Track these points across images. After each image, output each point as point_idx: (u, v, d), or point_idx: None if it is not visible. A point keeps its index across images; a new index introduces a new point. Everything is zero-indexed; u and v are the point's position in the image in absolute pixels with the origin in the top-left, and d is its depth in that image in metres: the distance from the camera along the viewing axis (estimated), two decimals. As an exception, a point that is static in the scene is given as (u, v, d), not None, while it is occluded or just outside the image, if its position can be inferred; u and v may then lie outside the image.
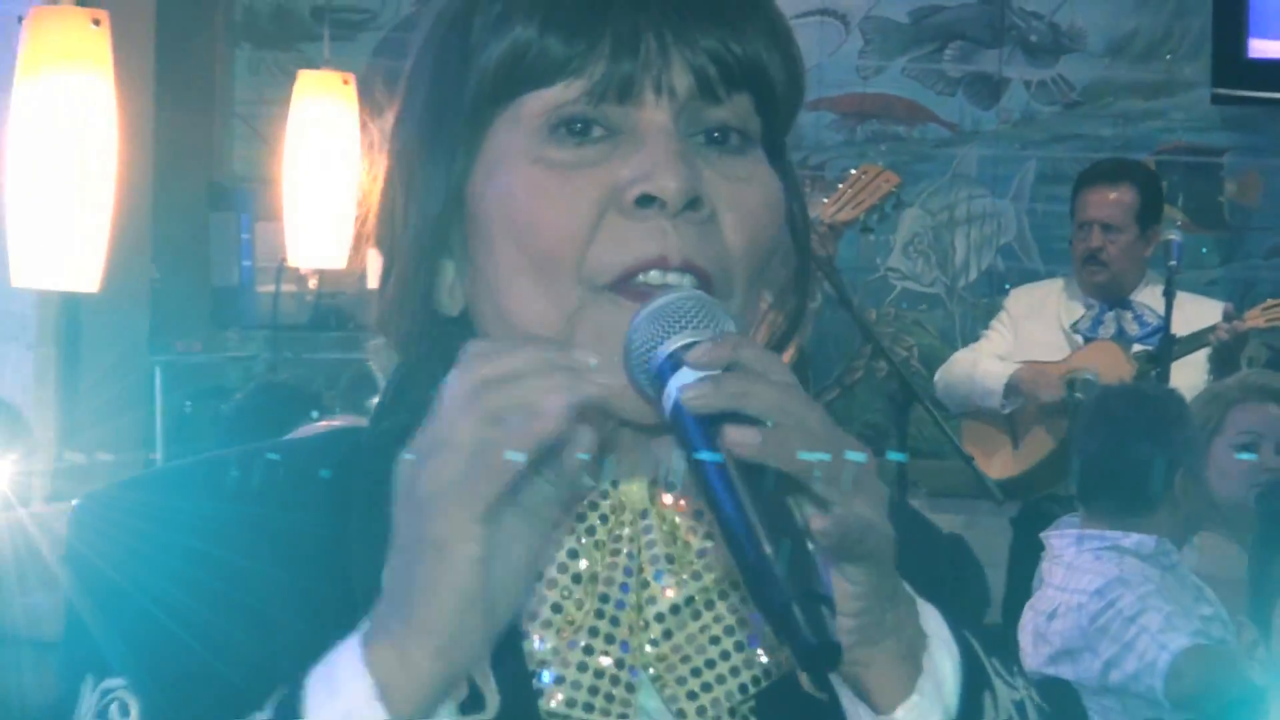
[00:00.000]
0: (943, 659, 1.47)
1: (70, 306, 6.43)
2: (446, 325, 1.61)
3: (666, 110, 1.53)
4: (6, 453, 3.38)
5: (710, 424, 1.38)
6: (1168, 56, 8.02)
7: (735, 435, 1.36)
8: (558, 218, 1.51)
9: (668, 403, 1.42)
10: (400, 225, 1.60)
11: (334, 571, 1.58)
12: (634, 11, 1.52)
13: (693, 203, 1.50)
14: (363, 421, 1.78)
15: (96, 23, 4.48)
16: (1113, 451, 5.23)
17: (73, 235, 4.45)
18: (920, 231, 8.15)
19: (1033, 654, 5.13)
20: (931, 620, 1.48)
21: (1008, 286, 7.54)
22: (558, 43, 1.52)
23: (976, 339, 7.29)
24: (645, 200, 1.50)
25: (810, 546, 1.36)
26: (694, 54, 1.52)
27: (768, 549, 1.33)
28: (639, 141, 1.52)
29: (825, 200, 6.92)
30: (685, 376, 1.41)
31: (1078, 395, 6.48)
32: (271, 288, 7.39)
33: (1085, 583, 5.03)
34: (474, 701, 1.46)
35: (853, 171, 7.19)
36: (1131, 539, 5.08)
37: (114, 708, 1.54)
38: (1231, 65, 7.67)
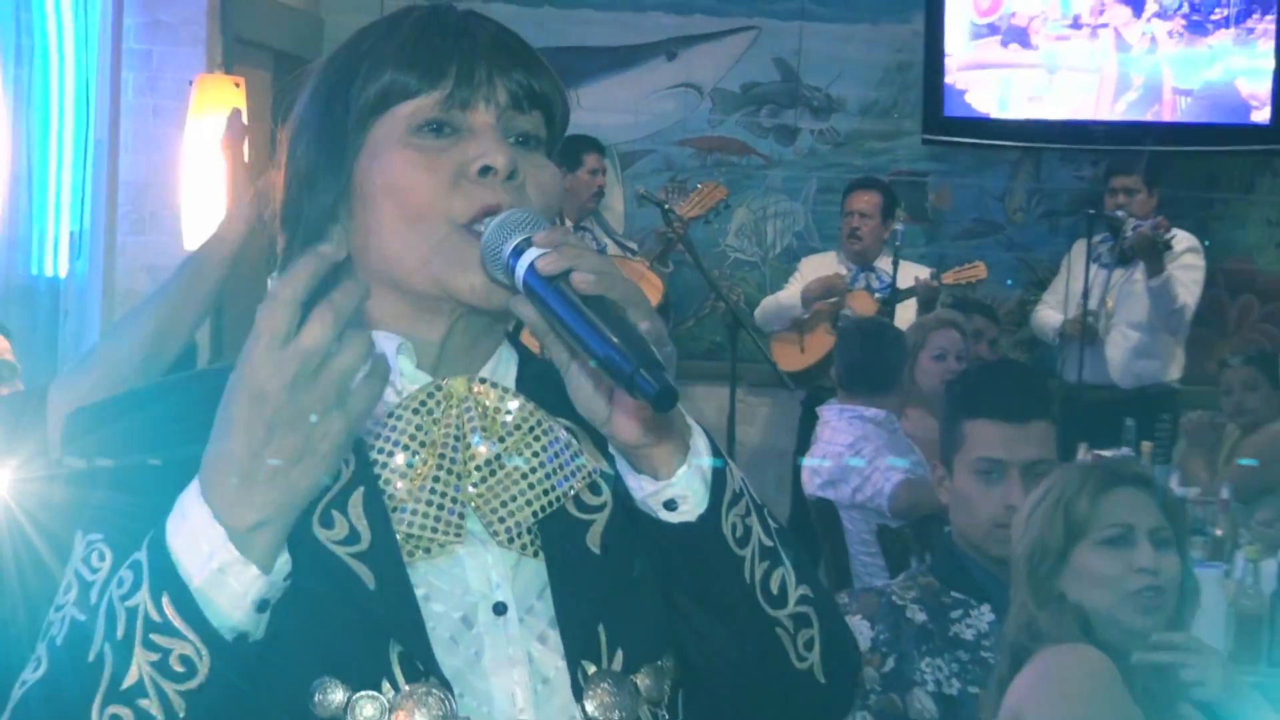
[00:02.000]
0: (701, 441, 1.41)
1: (220, 259, 6.38)
2: (333, 268, 1.43)
3: (492, 115, 1.45)
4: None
5: (555, 279, 1.33)
6: (895, 115, 7.98)
7: (579, 278, 1.32)
8: (426, 182, 1.43)
9: (520, 273, 1.35)
10: (300, 206, 1.48)
11: None
12: (469, 54, 1.45)
13: (512, 174, 1.43)
14: None
15: (237, 84, 4.50)
16: (859, 358, 5.30)
17: (217, 213, 4.46)
18: (745, 222, 8.06)
19: (809, 483, 5.19)
20: (689, 418, 1.42)
21: (800, 257, 7.54)
22: (416, 78, 1.45)
23: (780, 289, 7.27)
24: (485, 170, 1.42)
25: (640, 332, 1.30)
26: (510, 82, 1.46)
27: (614, 339, 1.28)
28: (475, 135, 1.44)
29: (682, 203, 6.94)
30: (531, 255, 1.34)
31: (840, 324, 6.51)
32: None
33: (842, 439, 5.11)
34: (352, 536, 1.40)
35: (699, 185, 7.23)
36: (870, 411, 5.15)
37: (94, 555, 1.40)
38: (934, 122, 7.68)
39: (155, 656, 1.27)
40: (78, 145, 5.69)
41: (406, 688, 1.36)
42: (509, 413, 1.47)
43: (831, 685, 1.47)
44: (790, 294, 7.01)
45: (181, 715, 1.27)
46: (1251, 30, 7.50)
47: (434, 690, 1.37)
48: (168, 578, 1.26)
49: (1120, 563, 2.57)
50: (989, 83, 7.69)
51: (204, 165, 4.52)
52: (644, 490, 1.40)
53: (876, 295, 6.80)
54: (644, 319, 1.32)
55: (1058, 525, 2.61)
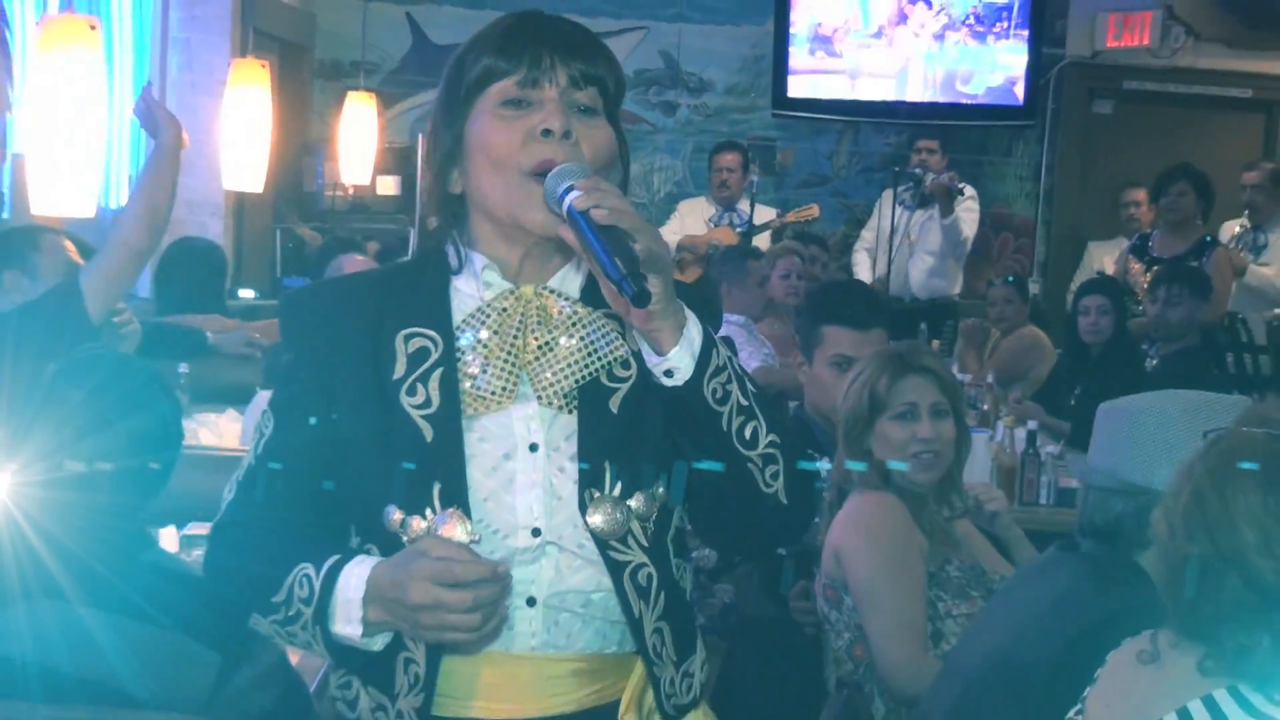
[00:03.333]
0: (694, 329, 1.45)
1: (240, 196, 6.32)
2: (453, 198, 1.54)
3: (555, 92, 1.48)
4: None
5: (585, 212, 1.38)
6: (752, 95, 7.96)
7: (596, 212, 1.37)
8: (506, 140, 1.47)
9: (565, 207, 1.41)
10: (434, 154, 1.54)
11: (378, 334, 1.51)
12: (539, 46, 1.48)
13: (567, 134, 1.46)
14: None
15: (264, 66, 4.47)
16: (724, 275, 5.27)
17: (247, 161, 4.43)
18: (636, 174, 7.85)
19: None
20: (688, 311, 1.46)
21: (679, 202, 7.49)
22: (503, 63, 1.48)
23: (663, 226, 7.14)
24: (546, 132, 1.46)
25: (634, 252, 1.36)
26: (569, 67, 1.48)
27: (612, 256, 1.36)
28: (542, 106, 1.47)
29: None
30: (573, 195, 1.41)
31: (710, 252, 6.52)
32: (331, 193, 7.17)
33: (713, 339, 5.11)
34: (426, 402, 1.47)
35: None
36: (734, 319, 5.08)
37: (266, 417, 1.54)
38: (781, 100, 7.66)
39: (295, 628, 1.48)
40: (134, 110, 5.64)
41: (443, 511, 1.45)
42: (560, 311, 1.52)
43: (790, 506, 1.52)
44: (670, 233, 6.95)
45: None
46: (1024, 40, 7.53)
47: (460, 515, 1.46)
48: (324, 618, 1.44)
49: (908, 432, 2.60)
50: (802, 86, 7.59)
51: (238, 125, 4.50)
52: (652, 362, 1.45)
53: (738, 230, 6.79)
54: (644, 243, 1.37)
55: (864, 401, 2.63)
